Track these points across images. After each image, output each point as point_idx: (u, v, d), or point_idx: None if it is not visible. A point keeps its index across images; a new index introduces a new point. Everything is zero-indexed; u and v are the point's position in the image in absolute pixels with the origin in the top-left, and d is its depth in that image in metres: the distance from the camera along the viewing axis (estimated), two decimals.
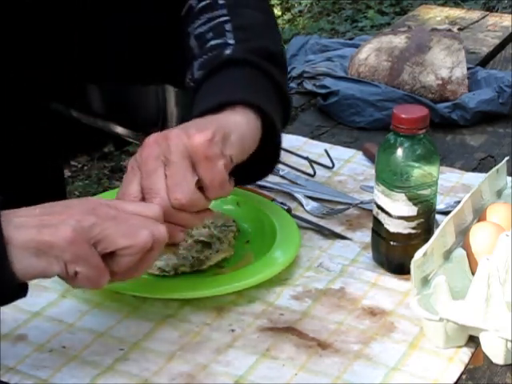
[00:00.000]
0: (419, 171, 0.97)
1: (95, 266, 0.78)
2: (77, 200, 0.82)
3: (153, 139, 0.87)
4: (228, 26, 1.02)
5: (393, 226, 0.99)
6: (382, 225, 0.99)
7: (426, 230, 0.99)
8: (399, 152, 0.96)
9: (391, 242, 1.00)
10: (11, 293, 0.78)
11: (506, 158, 1.11)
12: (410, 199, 0.97)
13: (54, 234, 0.76)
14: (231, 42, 1.00)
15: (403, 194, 0.97)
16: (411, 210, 0.98)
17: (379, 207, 0.99)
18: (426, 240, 0.93)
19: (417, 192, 0.97)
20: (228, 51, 0.98)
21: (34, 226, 0.76)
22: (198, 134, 0.86)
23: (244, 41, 1.00)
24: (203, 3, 1.06)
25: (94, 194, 1.17)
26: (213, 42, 1.01)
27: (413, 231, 0.98)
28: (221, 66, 0.97)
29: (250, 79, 0.96)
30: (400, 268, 1.00)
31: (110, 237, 0.78)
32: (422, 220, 0.98)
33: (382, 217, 0.99)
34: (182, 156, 0.85)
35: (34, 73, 1.08)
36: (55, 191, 1.21)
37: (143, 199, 0.85)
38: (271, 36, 1.06)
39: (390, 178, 0.97)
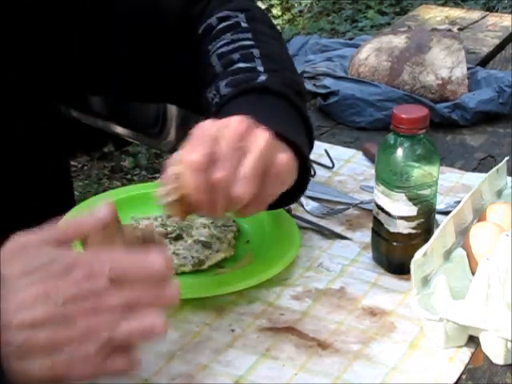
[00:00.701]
0: (419, 171, 0.97)
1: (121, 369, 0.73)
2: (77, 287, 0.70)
3: (243, 123, 0.84)
4: (256, 52, 1.02)
5: (393, 226, 0.99)
6: (382, 225, 1.00)
7: (426, 229, 0.99)
8: (399, 152, 0.97)
9: (391, 242, 1.00)
10: None
11: (506, 158, 1.11)
12: (410, 199, 0.97)
13: (72, 372, 0.69)
14: (261, 68, 1.00)
15: (403, 194, 0.97)
16: (411, 210, 0.98)
17: (379, 207, 0.99)
18: (426, 240, 0.93)
19: (417, 192, 0.97)
20: (263, 77, 0.98)
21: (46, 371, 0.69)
22: (284, 152, 0.86)
23: (274, 71, 1.00)
24: (225, 24, 1.06)
25: (94, 194, 1.17)
26: (241, 65, 1.00)
27: (413, 231, 0.98)
28: (254, 90, 0.96)
29: (288, 113, 0.96)
30: (400, 268, 1.00)
31: (125, 341, 0.72)
32: (422, 220, 0.98)
33: (382, 217, 0.99)
34: (260, 159, 0.84)
35: (34, 73, 1.08)
36: (59, 191, 1.21)
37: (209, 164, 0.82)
38: (293, 67, 1.07)
39: (390, 178, 0.97)
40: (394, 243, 0.99)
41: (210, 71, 1.03)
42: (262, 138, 0.84)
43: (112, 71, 1.13)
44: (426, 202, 0.98)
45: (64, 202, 1.16)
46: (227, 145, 0.83)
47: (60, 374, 0.69)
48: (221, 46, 1.04)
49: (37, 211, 1.14)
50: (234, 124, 0.85)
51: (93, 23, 1.10)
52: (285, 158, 0.86)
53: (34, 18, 1.06)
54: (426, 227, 0.99)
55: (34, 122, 1.11)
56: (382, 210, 0.99)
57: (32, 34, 1.06)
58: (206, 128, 0.85)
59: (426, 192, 0.98)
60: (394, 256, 1.00)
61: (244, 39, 1.04)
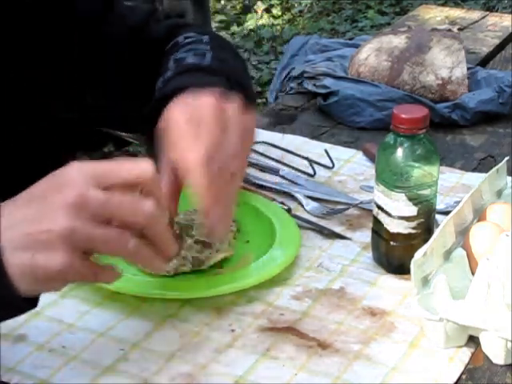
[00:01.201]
0: (419, 171, 0.97)
1: (91, 273, 0.76)
2: (58, 185, 0.76)
3: (214, 101, 0.87)
4: (208, 55, 1.04)
5: (393, 226, 0.99)
6: (382, 225, 1.00)
7: (426, 229, 0.99)
8: (399, 152, 0.97)
9: (391, 242, 1.00)
10: (21, 308, 0.77)
11: (506, 158, 1.11)
12: (410, 199, 0.97)
13: (48, 262, 0.73)
14: (207, 62, 1.02)
15: (403, 194, 0.97)
16: (411, 210, 0.98)
17: (379, 207, 0.99)
18: (426, 240, 0.92)
19: (417, 192, 0.97)
20: (207, 63, 1.01)
21: (27, 249, 0.73)
22: (250, 113, 0.90)
23: (219, 62, 1.03)
24: (189, 40, 1.09)
25: None
26: (189, 60, 1.03)
27: (413, 231, 0.98)
28: (198, 69, 1.00)
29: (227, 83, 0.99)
30: (400, 268, 1.00)
31: (100, 247, 0.75)
32: (422, 220, 0.98)
33: (381, 217, 0.99)
34: (240, 131, 0.87)
35: (34, 73, 1.08)
36: None
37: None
38: (243, 74, 1.10)
39: (390, 178, 0.97)
40: (394, 243, 0.99)
41: (165, 73, 1.04)
42: (234, 109, 0.88)
43: (112, 72, 1.13)
44: (426, 202, 0.98)
45: None
46: (211, 130, 0.85)
47: (41, 267, 0.72)
48: (179, 53, 1.06)
49: None
50: (208, 105, 0.87)
51: (92, 24, 1.10)
52: (252, 117, 0.91)
53: (33, 18, 1.06)
54: (425, 227, 0.99)
55: (34, 122, 1.11)
56: (382, 209, 0.99)
57: (32, 34, 1.06)
58: (182, 120, 0.87)
59: (426, 192, 0.98)
60: (393, 256, 1.00)
61: (201, 48, 1.07)
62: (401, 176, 0.97)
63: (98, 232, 0.74)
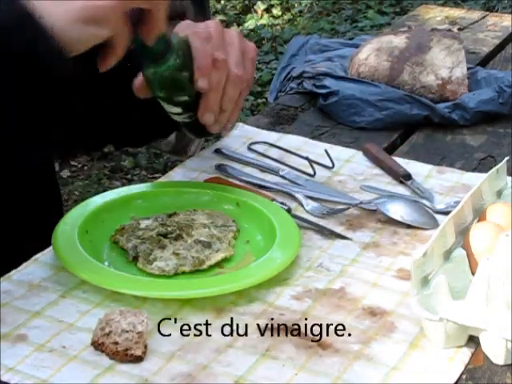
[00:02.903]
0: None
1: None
2: None
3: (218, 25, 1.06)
4: None
5: (177, 118, 1.10)
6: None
7: (190, 102, 1.07)
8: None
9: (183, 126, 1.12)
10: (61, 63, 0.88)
11: (506, 158, 1.11)
12: (172, 104, 1.07)
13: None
14: None
15: (164, 103, 1.08)
16: (176, 109, 1.08)
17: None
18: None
19: (172, 94, 1.06)
20: None
21: None
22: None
23: None
24: None
25: (94, 194, 1.17)
26: None
27: (186, 115, 1.09)
28: None
29: None
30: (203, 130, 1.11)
31: None
32: (186, 105, 1.07)
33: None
34: (240, 48, 1.07)
35: None
36: (45, 194, 1.21)
37: None
38: None
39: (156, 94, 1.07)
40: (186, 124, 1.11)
41: None
42: (234, 34, 1.07)
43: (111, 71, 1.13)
44: (183, 97, 1.06)
45: (51, 205, 1.17)
46: (217, 38, 1.03)
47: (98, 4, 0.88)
48: None
49: (24, 215, 1.14)
50: (214, 25, 1.05)
51: None
52: (252, 45, 1.10)
53: None
54: (190, 105, 1.08)
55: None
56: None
57: None
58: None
59: (179, 84, 1.05)
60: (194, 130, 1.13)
61: None
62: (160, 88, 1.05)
63: None
